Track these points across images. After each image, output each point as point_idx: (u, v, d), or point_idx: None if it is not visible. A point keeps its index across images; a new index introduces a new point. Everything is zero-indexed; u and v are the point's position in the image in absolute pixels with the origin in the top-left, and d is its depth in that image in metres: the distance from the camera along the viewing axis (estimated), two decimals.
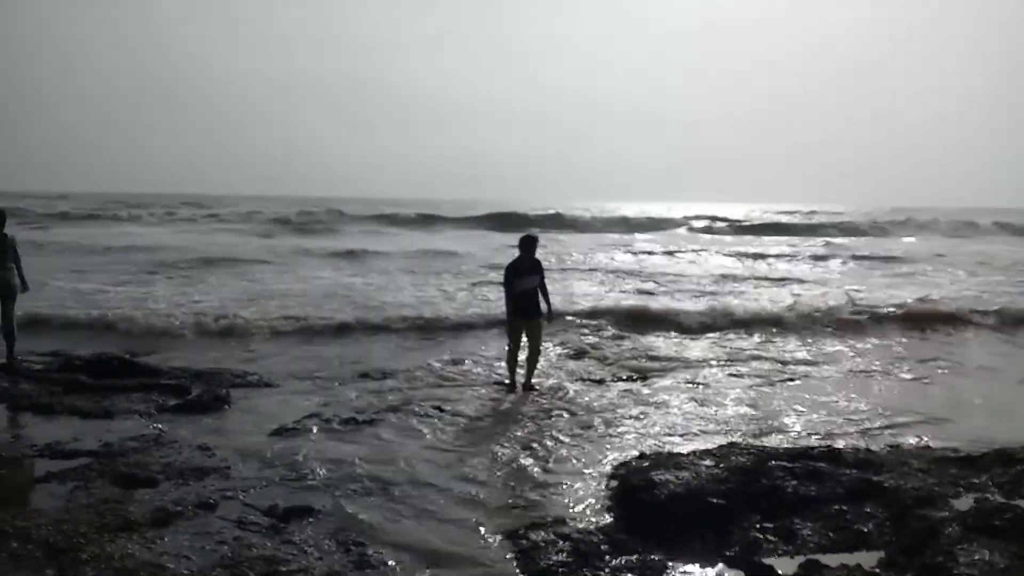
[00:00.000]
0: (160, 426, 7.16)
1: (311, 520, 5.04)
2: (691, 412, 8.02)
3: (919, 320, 13.77)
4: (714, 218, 56.09)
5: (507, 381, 8.98)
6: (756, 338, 12.49)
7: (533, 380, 8.95)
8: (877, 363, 10.73)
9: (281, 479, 5.80)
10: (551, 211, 55.24)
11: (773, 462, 5.55)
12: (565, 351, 11.07)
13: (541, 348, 9.19)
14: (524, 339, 8.90)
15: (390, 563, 4.51)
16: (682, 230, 48.41)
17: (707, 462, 5.53)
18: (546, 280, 9.03)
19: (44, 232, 31.10)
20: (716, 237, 43.05)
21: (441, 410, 7.84)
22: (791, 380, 9.62)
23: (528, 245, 8.86)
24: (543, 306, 8.92)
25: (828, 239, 39.96)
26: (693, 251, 31.66)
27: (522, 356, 9.00)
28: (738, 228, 48.92)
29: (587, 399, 8.45)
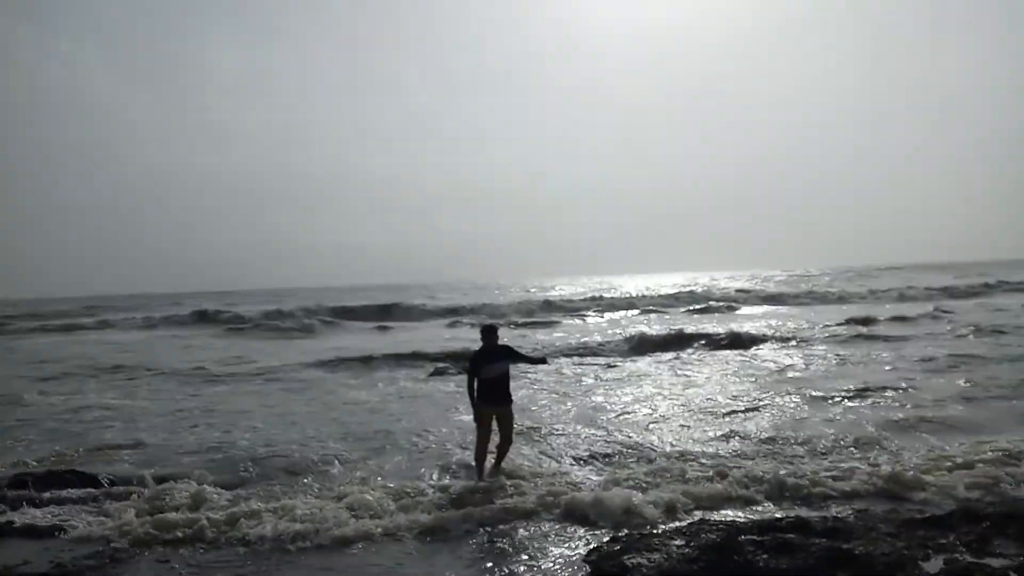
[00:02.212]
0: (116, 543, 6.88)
1: None
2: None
3: None
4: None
5: (476, 472, 8.74)
6: None
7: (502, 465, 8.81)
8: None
9: None
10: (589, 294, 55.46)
11: (743, 536, 5.55)
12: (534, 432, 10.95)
13: (513, 436, 9.03)
14: (495, 426, 8.77)
15: None
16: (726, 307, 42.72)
17: (677, 541, 5.50)
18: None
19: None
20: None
21: (410, 495, 7.66)
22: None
23: (489, 334, 8.88)
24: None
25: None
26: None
27: (493, 442, 8.85)
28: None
29: (557, 481, 8.35)
